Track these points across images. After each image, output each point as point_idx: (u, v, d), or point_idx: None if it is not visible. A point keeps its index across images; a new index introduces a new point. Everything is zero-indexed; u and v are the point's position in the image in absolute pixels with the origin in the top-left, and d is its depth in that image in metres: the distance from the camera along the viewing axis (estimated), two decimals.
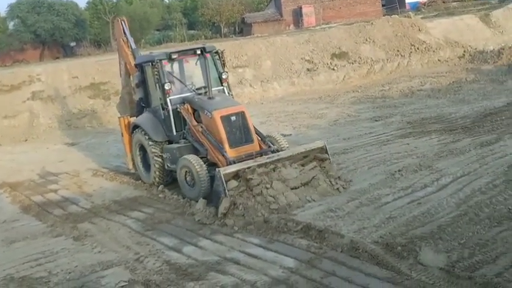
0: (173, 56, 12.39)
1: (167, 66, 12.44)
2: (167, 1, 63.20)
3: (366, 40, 29.23)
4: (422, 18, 34.66)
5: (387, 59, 28.32)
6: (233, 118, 11.41)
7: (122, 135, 14.07)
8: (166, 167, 12.43)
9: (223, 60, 12.90)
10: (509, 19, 34.49)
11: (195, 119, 11.93)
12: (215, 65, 12.81)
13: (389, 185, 10.94)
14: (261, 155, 11.24)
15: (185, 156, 11.43)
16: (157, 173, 12.61)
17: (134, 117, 13.83)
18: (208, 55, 12.50)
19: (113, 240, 9.99)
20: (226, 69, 12.97)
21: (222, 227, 9.89)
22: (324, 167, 11.32)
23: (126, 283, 8.06)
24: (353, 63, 27.73)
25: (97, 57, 30.29)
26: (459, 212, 9.15)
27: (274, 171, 10.66)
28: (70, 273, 8.65)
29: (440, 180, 10.88)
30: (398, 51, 28.84)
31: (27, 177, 15.52)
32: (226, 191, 10.13)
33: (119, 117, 14.33)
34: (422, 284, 7.10)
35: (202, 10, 51.35)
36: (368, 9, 47.83)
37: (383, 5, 50.52)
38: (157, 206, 11.66)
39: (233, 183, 10.30)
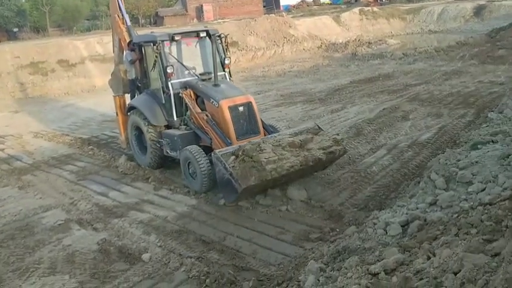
0: (176, 38, 9.38)
1: (167, 48, 9.44)
2: None
3: (251, 33, 29.19)
4: (292, 17, 35.10)
5: (267, 48, 28.50)
6: (240, 108, 8.71)
7: (117, 115, 11.11)
8: (165, 153, 9.55)
9: (226, 45, 9.86)
10: (353, 20, 35.86)
11: (197, 105, 9.21)
12: (217, 49, 9.65)
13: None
14: None
15: (187, 148, 8.56)
16: (154, 157, 9.78)
17: (128, 94, 10.99)
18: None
19: (52, 188, 9.49)
20: (228, 54, 9.91)
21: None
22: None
23: (63, 221, 7.74)
24: (241, 50, 27.64)
25: (36, 41, 27.92)
26: None
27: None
28: (15, 215, 8.17)
29: None
30: (274, 42, 29.09)
31: None
32: (227, 165, 7.48)
33: (114, 96, 11.12)
34: (288, 212, 7.44)
35: (124, 5, 48.77)
36: (253, 8, 47.81)
37: (264, 6, 50.71)
38: (87, 161, 11.14)
39: (231, 158, 7.65)
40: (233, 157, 7.64)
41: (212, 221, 7.37)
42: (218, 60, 9.36)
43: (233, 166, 7.43)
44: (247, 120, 8.76)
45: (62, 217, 7.93)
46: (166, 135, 9.41)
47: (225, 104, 8.53)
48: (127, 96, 10.95)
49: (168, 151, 9.40)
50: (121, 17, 11.24)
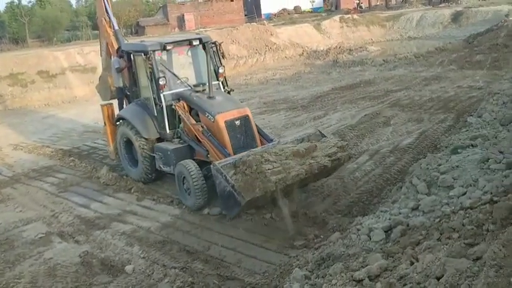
0: (168, 47, 8.72)
1: (159, 57, 8.74)
2: (75, 6, 59.05)
3: (233, 41, 29.18)
4: (273, 25, 35.22)
5: (249, 56, 28.48)
6: (237, 122, 8.17)
7: (105, 125, 10.44)
8: (157, 167, 9.02)
9: (221, 53, 9.28)
10: (334, 27, 36.15)
11: (191, 117, 8.59)
12: (211, 57, 9.05)
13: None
14: None
15: (181, 163, 8.08)
16: (147, 171, 9.22)
17: (113, 101, 10.46)
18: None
19: (32, 201, 9.32)
20: (223, 63, 9.32)
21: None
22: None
23: (44, 234, 7.62)
24: (224, 59, 27.60)
25: (15, 52, 27.58)
26: None
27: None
28: None
29: None
30: (256, 50, 29.10)
31: None
32: (228, 177, 6.95)
33: (101, 105, 10.46)
34: (272, 219, 7.38)
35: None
36: (234, 17, 48.03)
37: (245, 15, 50.94)
38: (68, 172, 10.96)
39: (231, 171, 7.13)
40: (232, 170, 7.09)
41: (196, 231, 7.32)
42: (211, 68, 8.80)
43: (235, 178, 6.89)
44: (244, 135, 8.23)
45: (43, 230, 7.79)
46: (159, 149, 8.87)
47: (221, 119, 8.00)
48: (115, 105, 10.58)
49: (161, 166, 8.88)
50: (107, 20, 10.67)
